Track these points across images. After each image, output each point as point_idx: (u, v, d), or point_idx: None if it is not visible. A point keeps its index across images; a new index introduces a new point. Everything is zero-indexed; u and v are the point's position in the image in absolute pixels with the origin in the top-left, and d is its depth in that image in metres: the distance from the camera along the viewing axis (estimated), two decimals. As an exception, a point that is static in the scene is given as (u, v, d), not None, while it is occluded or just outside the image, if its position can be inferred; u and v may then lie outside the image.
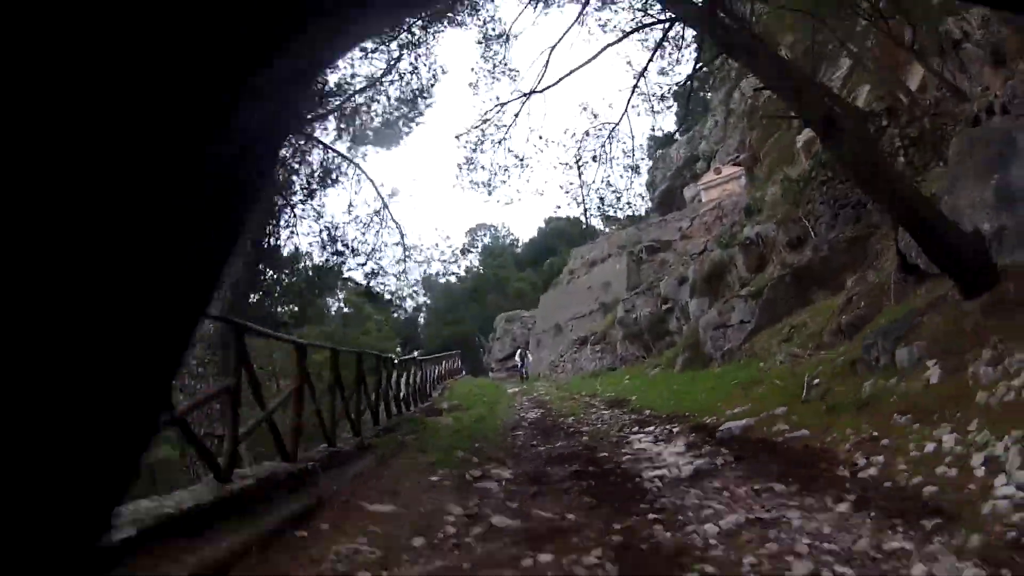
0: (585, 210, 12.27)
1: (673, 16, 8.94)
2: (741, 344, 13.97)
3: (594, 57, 9.43)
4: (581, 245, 36.87)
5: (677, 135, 40.76)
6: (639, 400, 12.73)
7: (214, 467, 3.99)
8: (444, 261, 22.17)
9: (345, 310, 27.49)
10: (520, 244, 61.94)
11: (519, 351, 29.69)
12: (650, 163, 37.11)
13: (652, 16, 9.62)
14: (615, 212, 13.04)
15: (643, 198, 31.11)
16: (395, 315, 35.53)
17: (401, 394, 10.92)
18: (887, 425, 5.66)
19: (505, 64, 11.10)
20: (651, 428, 9.05)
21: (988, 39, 11.19)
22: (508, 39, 11.37)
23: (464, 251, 55.40)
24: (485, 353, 43.06)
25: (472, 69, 16.35)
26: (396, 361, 11.29)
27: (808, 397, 7.85)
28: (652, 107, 10.99)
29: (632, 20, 10.20)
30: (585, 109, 13.24)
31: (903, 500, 4.09)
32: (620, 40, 9.70)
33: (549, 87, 9.88)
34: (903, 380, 6.52)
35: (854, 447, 5.51)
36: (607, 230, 35.06)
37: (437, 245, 52.61)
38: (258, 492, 4.06)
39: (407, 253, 13.37)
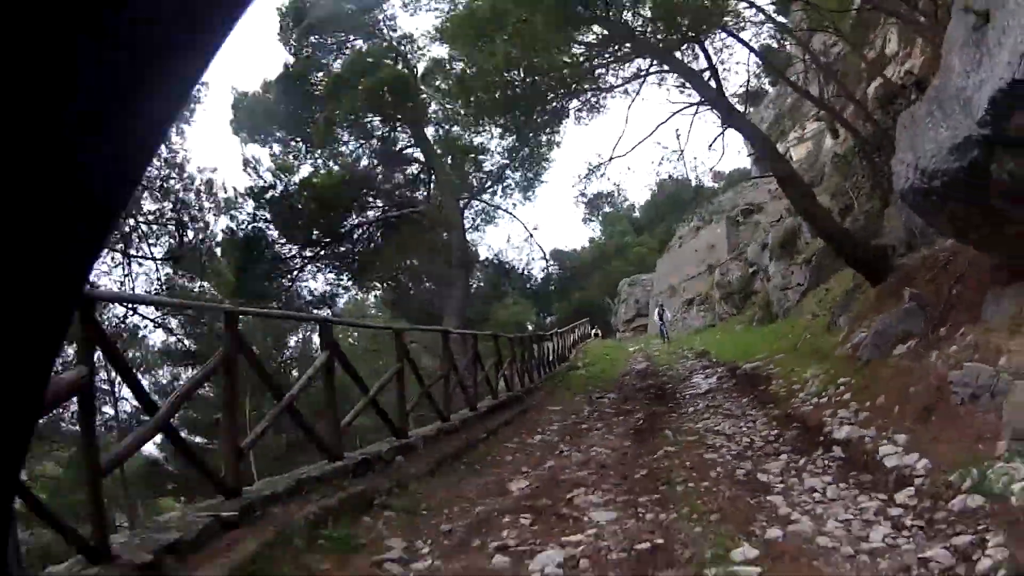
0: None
1: (701, 99, 14.11)
2: (796, 303, 18.74)
3: (655, 130, 14.99)
4: (688, 210, 40.93)
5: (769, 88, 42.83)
6: (715, 351, 18.14)
7: (470, 400, 10.52)
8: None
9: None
10: (637, 207, 65.81)
11: (658, 309, 27.98)
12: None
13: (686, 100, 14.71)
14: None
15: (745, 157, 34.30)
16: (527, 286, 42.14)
17: (550, 357, 17.37)
18: (808, 363, 11.03)
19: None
20: (708, 370, 14.69)
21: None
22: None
23: (585, 220, 60.63)
24: (613, 315, 48.52)
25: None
26: (544, 335, 17.75)
27: (798, 347, 13.17)
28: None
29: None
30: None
31: (776, 396, 9.67)
32: (670, 117, 15.13)
33: (627, 152, 15.58)
34: (837, 338, 11.76)
35: (785, 376, 10.98)
36: (714, 187, 38.77)
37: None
38: (508, 402, 10.56)
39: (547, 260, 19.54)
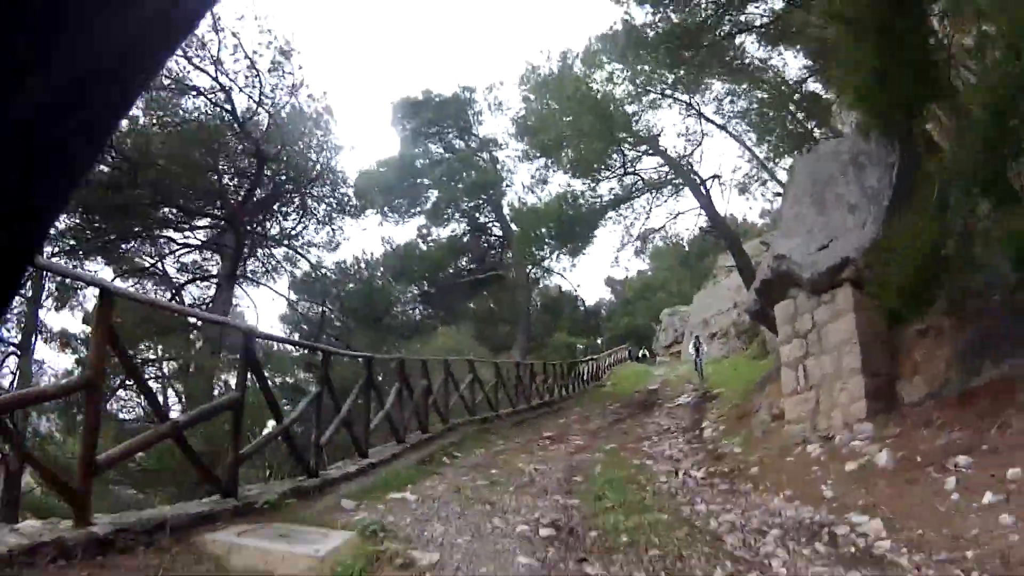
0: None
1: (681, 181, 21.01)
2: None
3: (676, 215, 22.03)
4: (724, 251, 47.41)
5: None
6: (711, 378, 24.79)
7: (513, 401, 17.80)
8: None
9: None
10: (686, 241, 71.87)
11: (693, 341, 27.75)
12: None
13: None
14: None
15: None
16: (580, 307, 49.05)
17: (584, 376, 24.50)
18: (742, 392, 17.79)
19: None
20: (694, 392, 21.43)
21: None
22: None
23: (637, 253, 67.55)
24: (655, 341, 55.18)
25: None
26: (580, 360, 24.87)
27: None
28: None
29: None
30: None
31: (707, 411, 16.49)
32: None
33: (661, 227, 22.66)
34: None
35: (725, 399, 17.74)
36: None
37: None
38: (547, 403, 17.84)
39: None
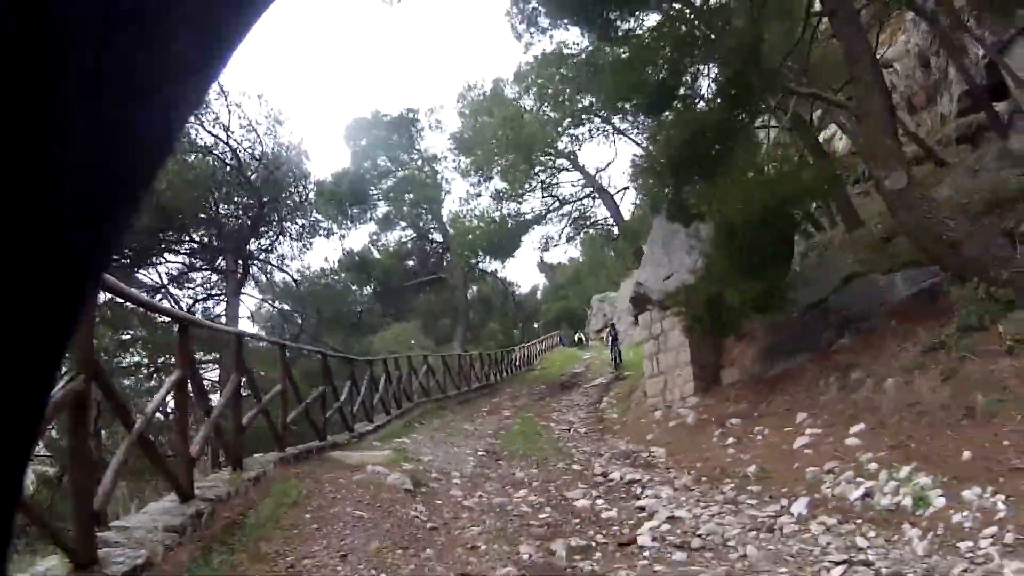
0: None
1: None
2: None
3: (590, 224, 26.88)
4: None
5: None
6: (630, 362, 29.87)
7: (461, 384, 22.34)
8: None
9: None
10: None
11: (608, 330, 28.73)
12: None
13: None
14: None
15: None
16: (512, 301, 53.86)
17: (516, 362, 29.13)
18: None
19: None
20: (611, 374, 26.35)
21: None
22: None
23: (569, 239, 72.89)
24: (587, 326, 60.70)
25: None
26: (511, 349, 29.50)
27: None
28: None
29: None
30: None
31: (616, 390, 21.38)
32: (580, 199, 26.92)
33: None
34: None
35: (632, 380, 22.73)
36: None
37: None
38: (484, 387, 22.39)
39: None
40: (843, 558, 4.53)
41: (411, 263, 31.19)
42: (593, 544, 5.12)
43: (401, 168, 31.52)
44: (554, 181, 27.02)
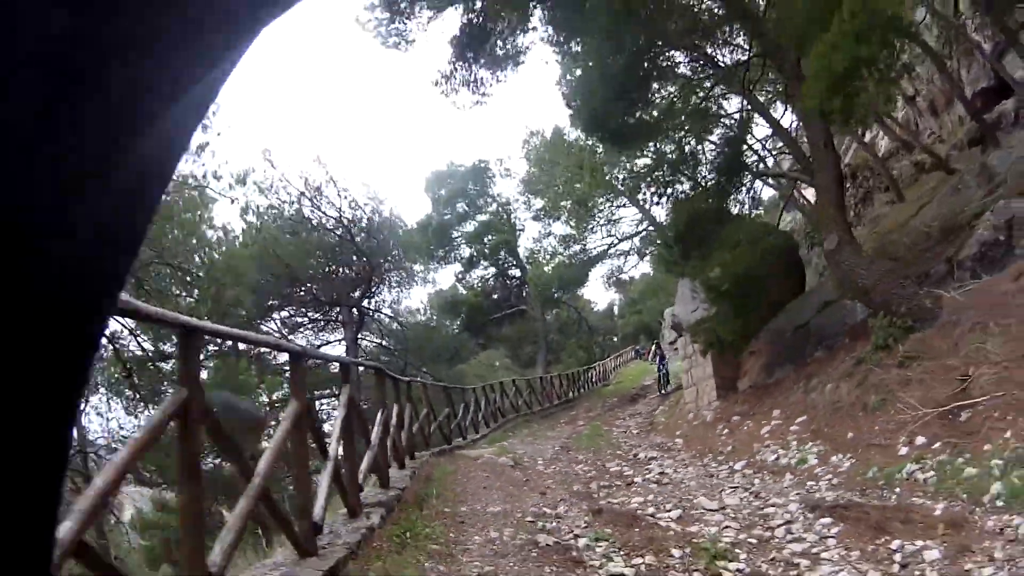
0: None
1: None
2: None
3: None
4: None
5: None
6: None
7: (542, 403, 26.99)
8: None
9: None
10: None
11: (653, 349, 28.98)
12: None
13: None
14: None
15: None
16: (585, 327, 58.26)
17: (592, 379, 33.59)
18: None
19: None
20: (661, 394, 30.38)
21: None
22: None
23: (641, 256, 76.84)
24: (660, 338, 64.31)
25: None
26: (587, 368, 34.02)
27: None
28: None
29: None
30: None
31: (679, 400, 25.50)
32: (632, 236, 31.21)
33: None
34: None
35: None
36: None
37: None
38: (564, 402, 26.99)
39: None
40: (737, 486, 8.91)
41: (495, 297, 36.53)
42: (613, 485, 9.65)
43: (479, 212, 37.08)
44: (614, 218, 31.41)
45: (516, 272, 37.20)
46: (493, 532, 6.10)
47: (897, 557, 5.13)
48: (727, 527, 6.34)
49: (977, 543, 5.06)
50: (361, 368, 10.99)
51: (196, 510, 3.26)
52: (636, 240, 30.88)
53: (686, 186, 15.04)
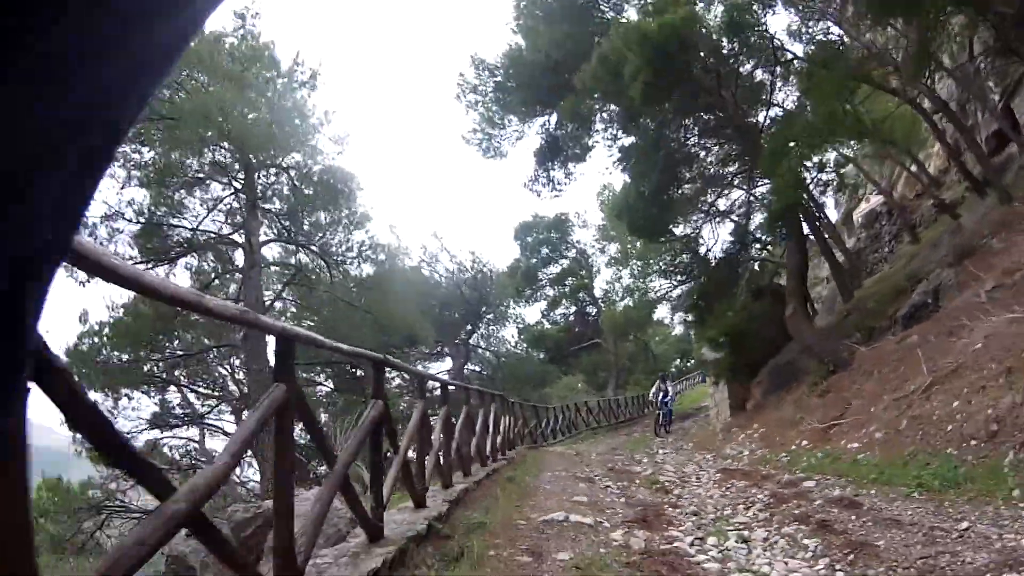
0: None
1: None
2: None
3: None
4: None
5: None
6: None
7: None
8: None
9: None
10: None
11: (657, 382, 27.47)
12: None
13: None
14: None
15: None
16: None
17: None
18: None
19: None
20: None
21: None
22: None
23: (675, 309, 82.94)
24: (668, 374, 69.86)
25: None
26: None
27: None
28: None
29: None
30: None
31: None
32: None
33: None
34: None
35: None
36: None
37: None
38: (624, 421, 33.95)
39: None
40: (695, 463, 15.97)
41: (575, 331, 44.11)
42: (628, 464, 16.83)
43: (560, 258, 45.00)
44: (675, 263, 38.17)
45: (592, 310, 44.67)
46: (557, 473, 13.54)
47: (731, 487, 12.11)
48: (670, 476, 13.50)
49: (769, 486, 11.93)
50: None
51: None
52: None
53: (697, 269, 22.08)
